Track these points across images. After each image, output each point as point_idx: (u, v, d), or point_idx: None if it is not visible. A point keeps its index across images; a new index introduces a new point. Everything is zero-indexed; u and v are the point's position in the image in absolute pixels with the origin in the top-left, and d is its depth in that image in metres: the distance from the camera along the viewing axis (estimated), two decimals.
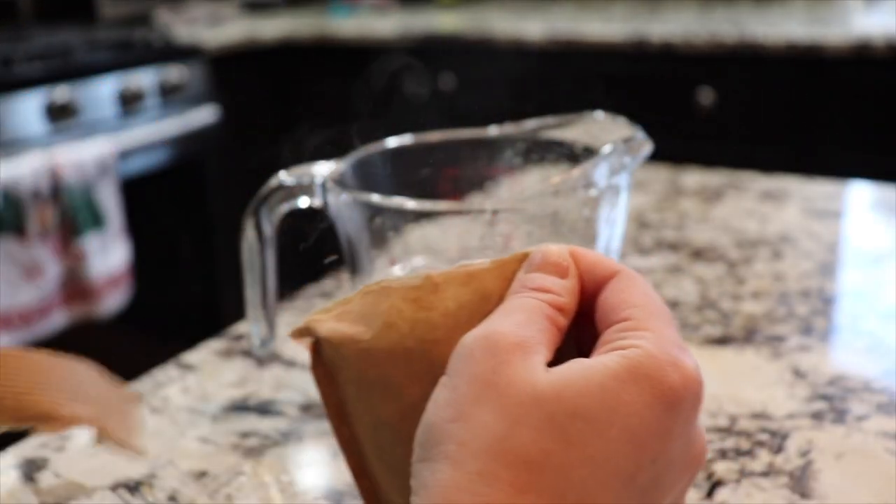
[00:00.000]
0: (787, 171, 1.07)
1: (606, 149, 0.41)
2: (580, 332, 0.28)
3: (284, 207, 0.45)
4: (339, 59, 2.15)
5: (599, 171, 0.41)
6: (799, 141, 1.68)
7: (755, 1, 2.11)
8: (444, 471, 0.23)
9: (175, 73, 1.86)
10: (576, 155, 0.47)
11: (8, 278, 1.53)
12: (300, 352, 0.55)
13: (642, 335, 0.25)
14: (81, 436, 0.47)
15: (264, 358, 0.54)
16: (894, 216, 0.77)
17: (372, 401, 0.29)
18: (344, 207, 0.43)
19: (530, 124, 0.49)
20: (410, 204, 0.41)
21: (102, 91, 1.73)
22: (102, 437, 0.38)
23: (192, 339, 0.64)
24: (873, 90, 1.60)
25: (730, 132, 1.74)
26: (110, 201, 1.68)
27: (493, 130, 0.50)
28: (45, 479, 0.43)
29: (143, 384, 0.52)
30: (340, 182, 0.43)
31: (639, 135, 0.43)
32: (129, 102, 1.76)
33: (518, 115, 0.50)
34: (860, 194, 0.84)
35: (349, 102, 2.13)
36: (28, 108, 1.61)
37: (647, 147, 0.42)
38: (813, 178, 0.86)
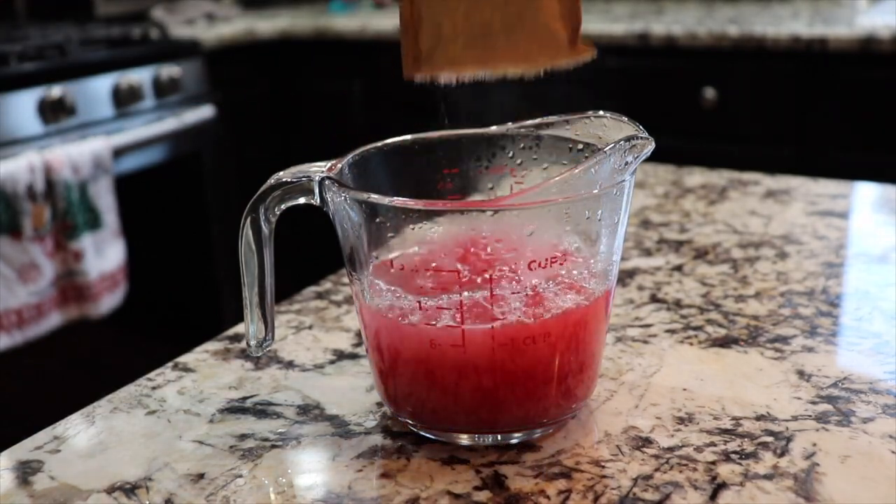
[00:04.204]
0: (791, 168, 1.07)
1: (609, 147, 0.40)
2: None
3: (282, 207, 0.45)
4: (338, 55, 2.14)
5: (602, 170, 0.41)
6: (803, 139, 1.68)
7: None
8: None
9: (172, 70, 1.85)
10: (578, 153, 0.47)
11: (3, 278, 1.53)
12: (298, 353, 0.55)
13: None
14: (77, 438, 0.46)
15: (262, 359, 0.54)
16: None
17: None
18: (343, 206, 0.43)
19: (531, 122, 0.49)
20: (410, 203, 0.40)
21: (98, 89, 1.73)
22: None
23: (189, 340, 0.63)
24: (879, 87, 1.59)
25: (733, 130, 1.73)
26: (106, 200, 1.67)
27: (493, 128, 0.50)
28: (41, 481, 0.42)
29: (140, 385, 0.51)
30: (339, 181, 0.43)
31: (641, 133, 0.42)
32: (126, 100, 1.75)
33: (519, 113, 0.50)
34: (865, 194, 0.84)
35: (348, 99, 2.13)
36: (24, 106, 1.60)
37: (650, 145, 0.42)
38: (817, 178, 0.86)
